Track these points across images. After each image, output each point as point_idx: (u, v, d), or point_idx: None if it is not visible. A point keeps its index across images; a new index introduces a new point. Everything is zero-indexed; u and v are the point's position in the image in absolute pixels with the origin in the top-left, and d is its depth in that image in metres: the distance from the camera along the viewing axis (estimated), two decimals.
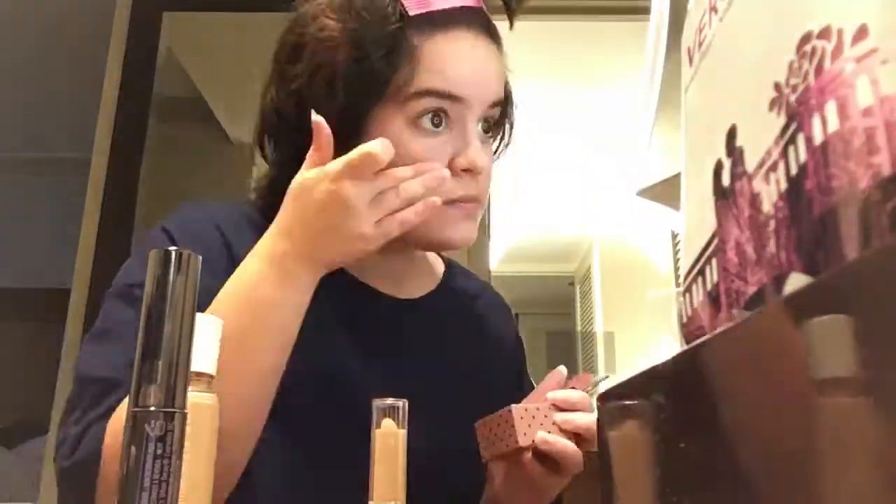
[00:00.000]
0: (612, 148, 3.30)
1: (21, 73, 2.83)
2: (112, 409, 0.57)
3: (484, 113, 0.65)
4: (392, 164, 0.57)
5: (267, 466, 0.61)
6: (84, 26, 2.47)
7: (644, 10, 0.78)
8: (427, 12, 0.62)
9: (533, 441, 0.62)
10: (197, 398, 0.44)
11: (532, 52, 2.57)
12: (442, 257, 0.85)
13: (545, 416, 0.63)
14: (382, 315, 0.73)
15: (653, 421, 0.37)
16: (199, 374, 0.45)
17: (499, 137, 0.73)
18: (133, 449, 0.31)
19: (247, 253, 0.61)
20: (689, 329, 0.45)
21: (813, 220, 0.31)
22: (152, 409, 0.31)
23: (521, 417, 0.62)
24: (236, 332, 0.51)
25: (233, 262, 0.62)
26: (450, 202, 0.63)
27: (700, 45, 0.46)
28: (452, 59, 0.62)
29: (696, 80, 0.47)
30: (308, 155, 0.59)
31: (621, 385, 0.42)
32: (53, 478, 0.61)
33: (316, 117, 0.58)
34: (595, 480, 0.45)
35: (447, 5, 0.63)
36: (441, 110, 0.62)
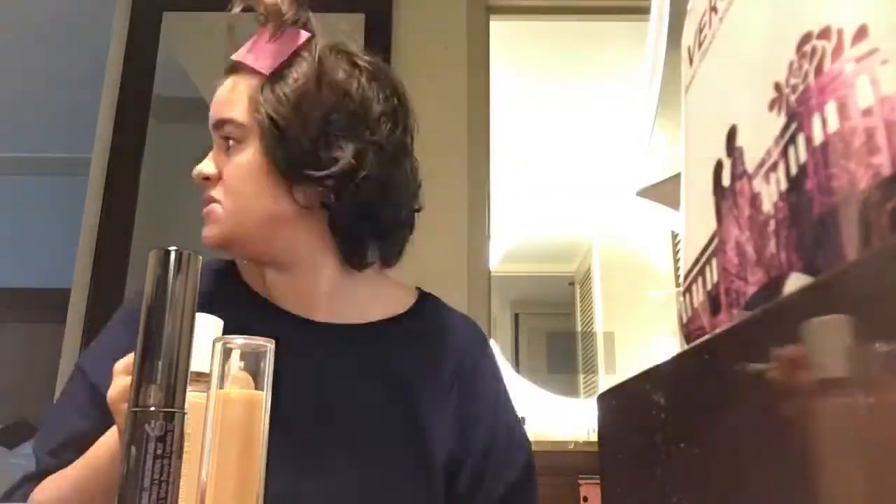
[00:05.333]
0: (613, 148, 3.30)
1: (21, 73, 2.83)
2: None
3: (215, 132, 0.83)
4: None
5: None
6: (84, 26, 2.47)
7: (644, 10, 0.78)
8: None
9: None
10: (197, 398, 0.44)
11: (533, 52, 2.57)
12: (422, 293, 0.86)
13: None
14: (304, 338, 0.77)
15: (653, 421, 0.37)
16: (199, 374, 0.45)
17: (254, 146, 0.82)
18: (133, 449, 0.31)
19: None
20: (689, 329, 0.45)
21: (813, 220, 0.31)
22: (152, 409, 0.31)
23: None
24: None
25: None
26: None
27: (700, 45, 0.46)
28: None
29: (696, 80, 0.47)
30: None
31: (621, 385, 0.42)
32: None
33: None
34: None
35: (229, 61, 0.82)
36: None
